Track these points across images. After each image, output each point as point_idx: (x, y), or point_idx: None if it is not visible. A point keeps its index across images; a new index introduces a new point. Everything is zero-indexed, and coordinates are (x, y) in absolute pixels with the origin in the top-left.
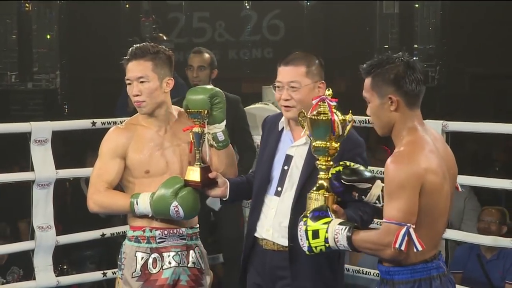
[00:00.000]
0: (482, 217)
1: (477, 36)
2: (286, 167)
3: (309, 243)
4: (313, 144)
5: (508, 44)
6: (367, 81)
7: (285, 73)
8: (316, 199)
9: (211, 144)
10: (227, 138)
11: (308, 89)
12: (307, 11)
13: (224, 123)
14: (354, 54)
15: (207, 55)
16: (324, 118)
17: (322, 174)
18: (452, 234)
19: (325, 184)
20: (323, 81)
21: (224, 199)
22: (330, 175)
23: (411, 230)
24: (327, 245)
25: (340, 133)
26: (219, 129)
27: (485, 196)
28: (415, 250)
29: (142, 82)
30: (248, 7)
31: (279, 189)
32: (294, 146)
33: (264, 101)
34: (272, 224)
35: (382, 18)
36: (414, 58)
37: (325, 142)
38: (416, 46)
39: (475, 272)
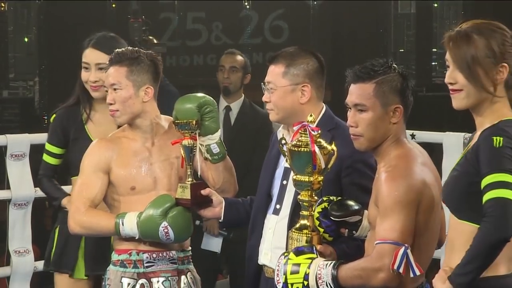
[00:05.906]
0: None
1: None
2: (285, 182)
3: (285, 279)
4: (294, 177)
5: None
6: (367, 87)
7: (268, 72)
8: (298, 240)
9: (206, 158)
10: (223, 151)
11: (284, 92)
12: (314, 11)
13: (218, 133)
14: (366, 59)
15: (240, 57)
16: (304, 150)
17: (305, 212)
18: None
19: (308, 223)
20: (307, 84)
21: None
22: (317, 214)
23: (409, 252)
24: (305, 282)
25: (323, 166)
26: (212, 140)
27: None
28: (411, 275)
29: (115, 89)
30: (248, 6)
31: (277, 206)
32: None
33: None
34: (270, 247)
35: (397, 19)
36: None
37: (307, 177)
38: (435, 50)
39: None
